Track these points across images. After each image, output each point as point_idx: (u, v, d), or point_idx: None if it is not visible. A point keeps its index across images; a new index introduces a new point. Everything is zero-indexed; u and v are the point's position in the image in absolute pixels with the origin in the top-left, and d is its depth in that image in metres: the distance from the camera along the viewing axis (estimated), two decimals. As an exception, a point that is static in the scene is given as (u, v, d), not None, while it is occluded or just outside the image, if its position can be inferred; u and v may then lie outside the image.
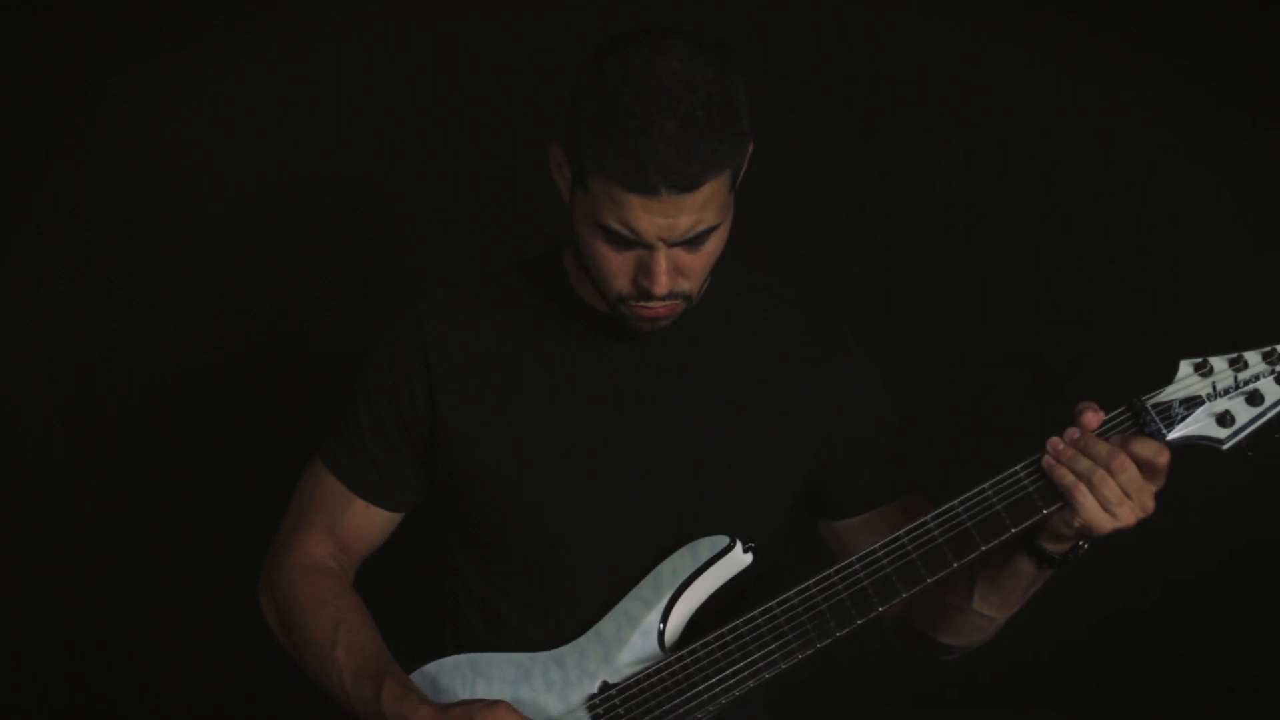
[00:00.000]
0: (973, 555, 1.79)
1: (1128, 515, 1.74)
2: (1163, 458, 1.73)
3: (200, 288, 2.79)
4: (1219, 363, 1.75)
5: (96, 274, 2.79)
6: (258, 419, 2.82)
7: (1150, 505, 1.74)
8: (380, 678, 1.88)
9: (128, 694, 2.92)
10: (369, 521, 2.05)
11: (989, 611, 1.90)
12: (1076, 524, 1.76)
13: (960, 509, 1.80)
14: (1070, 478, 1.74)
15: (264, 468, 2.49)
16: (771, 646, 1.84)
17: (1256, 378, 1.73)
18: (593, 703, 1.89)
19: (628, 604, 1.91)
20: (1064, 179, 2.68)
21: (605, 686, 1.90)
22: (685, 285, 1.82)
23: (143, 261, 2.79)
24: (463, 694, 1.94)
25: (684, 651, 1.87)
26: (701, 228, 1.77)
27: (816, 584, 1.84)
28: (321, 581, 2.00)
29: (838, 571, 1.84)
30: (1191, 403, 1.75)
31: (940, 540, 1.80)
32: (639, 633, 1.90)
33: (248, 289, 2.80)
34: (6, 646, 2.88)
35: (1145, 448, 1.73)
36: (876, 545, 1.83)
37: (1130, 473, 1.72)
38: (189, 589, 2.89)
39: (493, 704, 1.81)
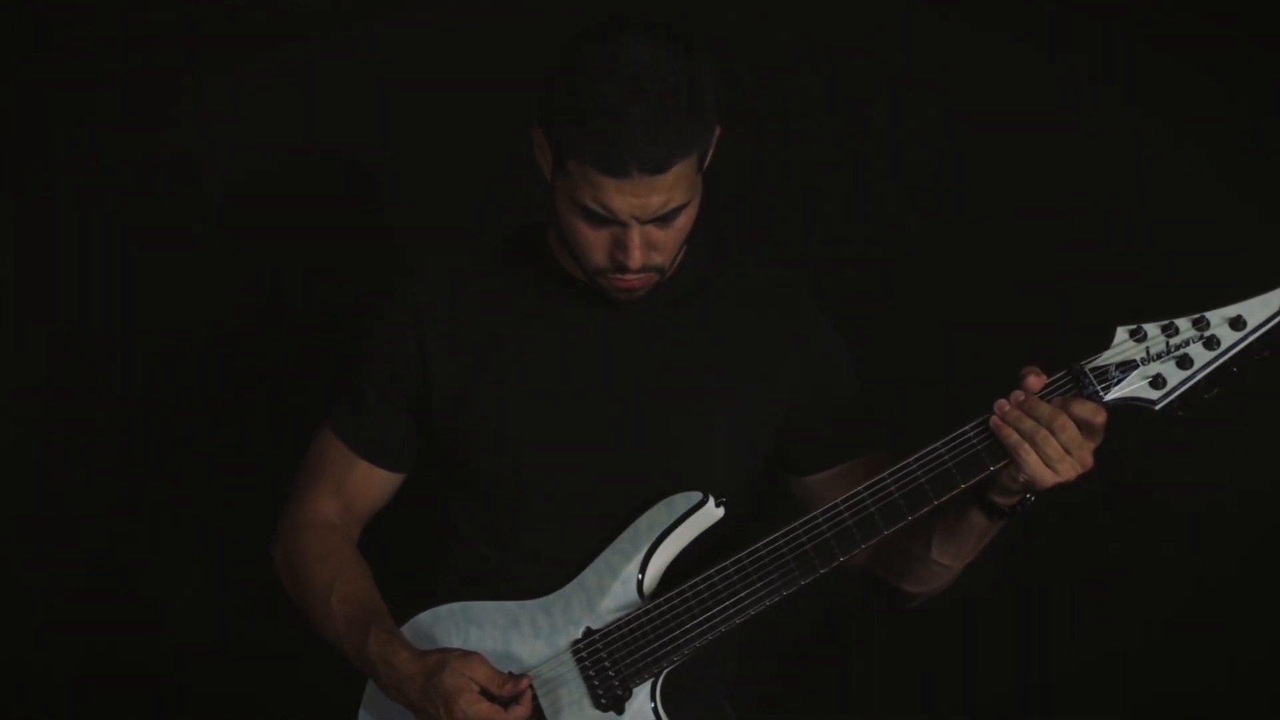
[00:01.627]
0: (926, 509, 1.90)
1: (1068, 471, 1.83)
2: (1100, 417, 1.83)
3: (192, 284, 2.82)
4: (1152, 329, 1.83)
5: (87, 271, 2.81)
6: (259, 406, 2.84)
7: (1089, 461, 1.84)
8: (369, 625, 2.00)
9: (135, 693, 2.94)
10: (371, 482, 2.17)
11: (946, 560, 2.01)
12: (1021, 479, 1.86)
13: (915, 466, 1.90)
14: (1015, 437, 1.84)
15: (265, 460, 2.50)
16: (742, 594, 1.95)
17: (1187, 343, 1.81)
18: (576, 647, 2.01)
19: (609, 555, 2.02)
20: (1030, 163, 2.74)
21: (588, 632, 2.00)
22: (658, 259, 1.93)
23: (135, 259, 2.82)
24: (455, 640, 2.06)
25: (661, 599, 1.98)
26: (671, 206, 1.88)
27: (783, 535, 1.95)
28: (324, 537, 2.12)
29: (802, 524, 1.94)
30: (1127, 366, 1.83)
31: (897, 495, 1.91)
32: (619, 582, 2.01)
33: (239, 285, 2.83)
34: (8, 650, 2.91)
35: (1084, 408, 1.82)
36: (839, 500, 1.93)
37: (1070, 432, 1.82)
38: (192, 586, 2.93)
39: (467, 654, 1.93)
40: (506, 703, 1.93)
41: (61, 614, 2.92)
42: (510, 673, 1.99)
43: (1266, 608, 2.79)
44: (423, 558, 2.19)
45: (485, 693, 1.92)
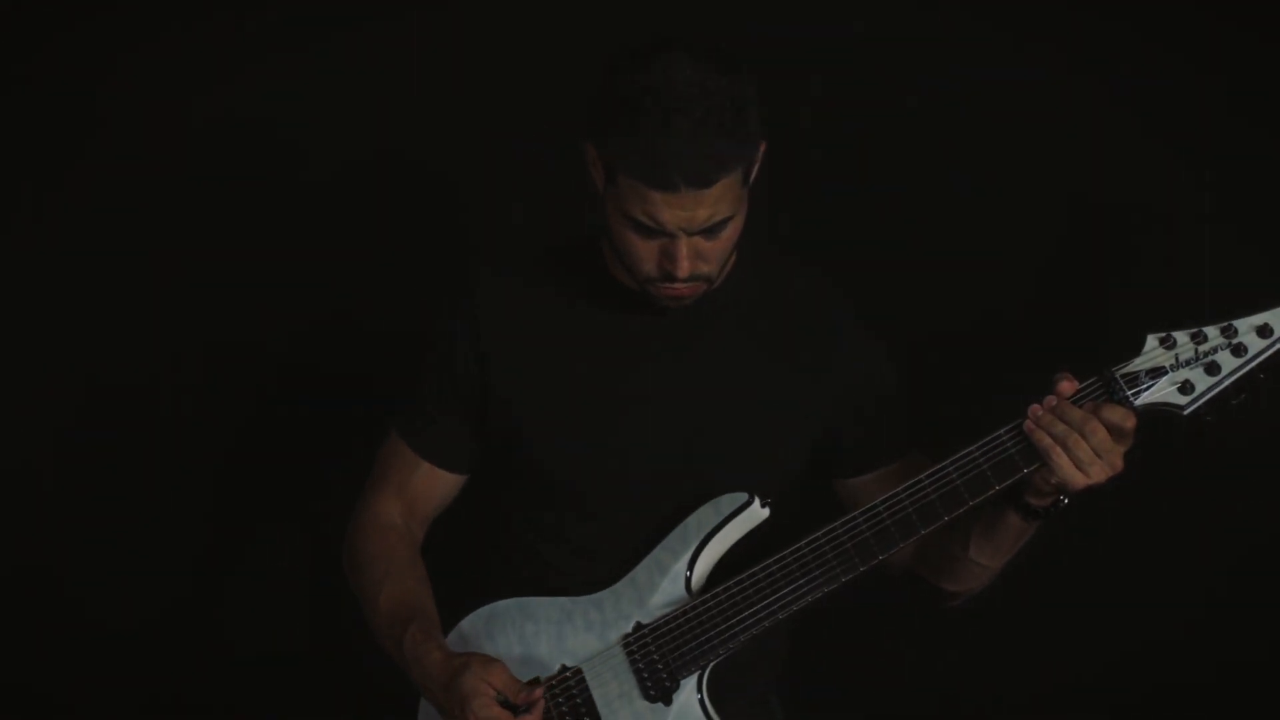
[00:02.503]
0: (961, 509, 1.96)
1: (1099, 474, 1.89)
2: (1130, 422, 1.88)
3: (262, 275, 2.86)
4: (1181, 336, 1.88)
5: (144, 264, 2.86)
6: (327, 411, 2.88)
7: (1119, 464, 1.90)
8: (408, 623, 2.08)
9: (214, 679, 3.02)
10: (433, 483, 2.24)
11: (984, 560, 2.07)
12: (1054, 481, 1.92)
13: (951, 469, 1.96)
14: (1048, 440, 1.89)
15: (336, 448, 2.60)
16: (785, 590, 2.02)
17: (1215, 350, 1.86)
18: (627, 640, 2.08)
19: (659, 553, 2.10)
20: (1066, 172, 2.76)
21: (638, 626, 2.08)
22: (705, 268, 2.00)
23: (207, 264, 2.87)
24: (512, 633, 2.14)
25: (707, 595, 2.05)
26: (717, 218, 1.95)
27: (825, 535, 2.01)
28: (383, 538, 2.20)
29: (843, 524, 2.01)
30: (1156, 373, 1.88)
31: (934, 496, 1.97)
32: (668, 579, 2.09)
33: (313, 276, 2.87)
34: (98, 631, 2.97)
35: (1114, 413, 1.88)
36: (878, 501, 2.00)
37: (1101, 436, 1.88)
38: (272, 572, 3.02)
39: (489, 660, 2.00)
40: (520, 710, 1.98)
41: (151, 597, 2.99)
42: (538, 678, 2.07)
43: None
44: (480, 556, 2.27)
45: (504, 701, 1.98)
